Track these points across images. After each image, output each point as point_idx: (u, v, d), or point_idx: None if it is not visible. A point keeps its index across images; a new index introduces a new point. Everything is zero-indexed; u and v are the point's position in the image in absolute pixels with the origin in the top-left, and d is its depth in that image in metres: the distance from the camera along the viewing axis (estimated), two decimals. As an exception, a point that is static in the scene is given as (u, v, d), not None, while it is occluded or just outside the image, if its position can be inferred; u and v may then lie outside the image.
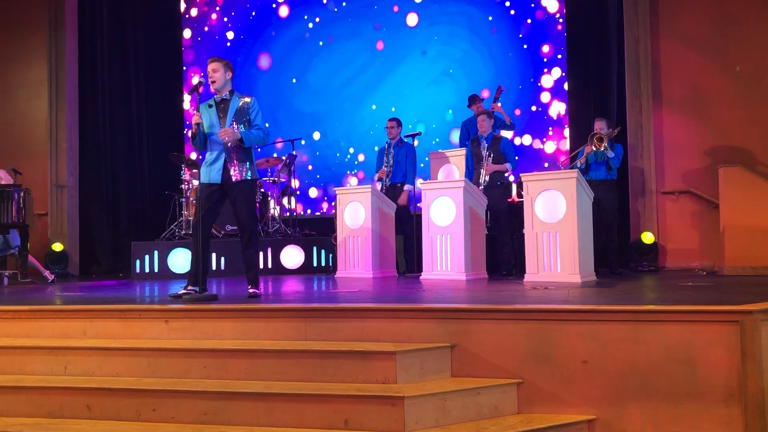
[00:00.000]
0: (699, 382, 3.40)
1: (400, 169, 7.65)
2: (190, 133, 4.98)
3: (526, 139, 9.17)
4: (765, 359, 3.33)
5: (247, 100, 5.04)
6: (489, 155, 7.02)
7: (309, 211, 10.10)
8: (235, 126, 4.93)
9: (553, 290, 4.90)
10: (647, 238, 7.75)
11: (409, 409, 3.33)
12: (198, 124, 4.87)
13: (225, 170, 4.93)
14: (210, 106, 4.98)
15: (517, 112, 9.17)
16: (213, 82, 4.95)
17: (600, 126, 7.02)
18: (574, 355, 3.59)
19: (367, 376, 3.62)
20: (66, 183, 9.10)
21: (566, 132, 9.01)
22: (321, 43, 10.11)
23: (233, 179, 4.94)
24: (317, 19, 10.15)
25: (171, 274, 7.68)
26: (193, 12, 10.59)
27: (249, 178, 4.99)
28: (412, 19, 9.76)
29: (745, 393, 3.31)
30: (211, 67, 4.97)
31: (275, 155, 9.37)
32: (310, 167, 10.10)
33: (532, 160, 9.17)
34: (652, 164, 8.05)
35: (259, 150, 9.59)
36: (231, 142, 4.89)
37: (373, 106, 9.82)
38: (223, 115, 4.96)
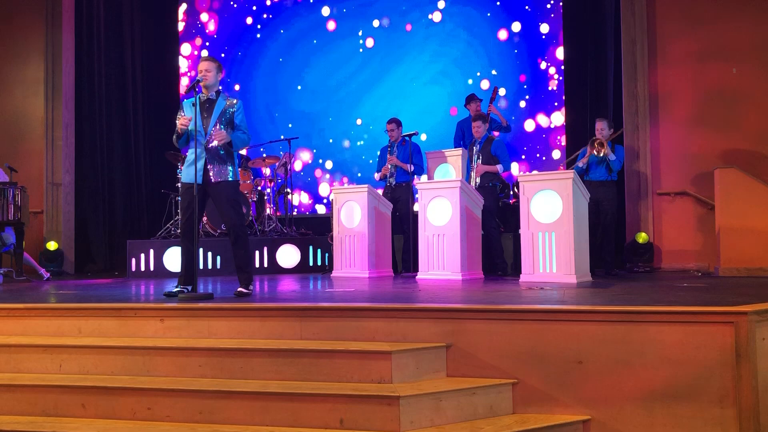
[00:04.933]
0: (694, 382, 3.41)
1: (404, 169, 7.64)
2: (178, 132, 4.94)
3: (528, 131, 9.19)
4: (759, 360, 3.35)
5: (233, 102, 5.07)
6: (478, 157, 7.07)
7: (306, 210, 10.10)
8: (218, 127, 4.95)
9: (548, 290, 4.90)
10: (641, 238, 7.77)
11: (405, 409, 3.34)
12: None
13: (206, 171, 4.95)
14: (194, 104, 4.97)
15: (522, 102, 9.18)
16: (205, 80, 4.97)
17: (601, 126, 6.92)
18: (569, 356, 3.59)
19: (363, 376, 3.62)
20: (62, 181, 9.08)
21: (563, 132, 9.04)
22: (315, 41, 10.13)
23: (212, 180, 4.96)
24: (328, 21, 10.17)
25: (166, 272, 7.67)
26: (191, 10, 10.57)
27: (230, 179, 5.01)
28: (410, 19, 9.78)
29: (739, 394, 3.32)
30: (204, 66, 4.99)
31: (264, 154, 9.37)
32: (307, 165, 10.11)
33: (529, 161, 9.20)
34: (648, 165, 8.06)
35: (262, 150, 9.59)
36: (219, 143, 4.91)
37: (361, 103, 9.84)
38: (208, 114, 4.97)
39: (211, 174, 4.95)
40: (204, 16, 10.53)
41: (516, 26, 9.34)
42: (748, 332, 3.32)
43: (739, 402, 3.32)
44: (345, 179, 9.92)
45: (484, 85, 9.35)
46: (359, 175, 9.83)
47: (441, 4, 9.63)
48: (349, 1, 10.00)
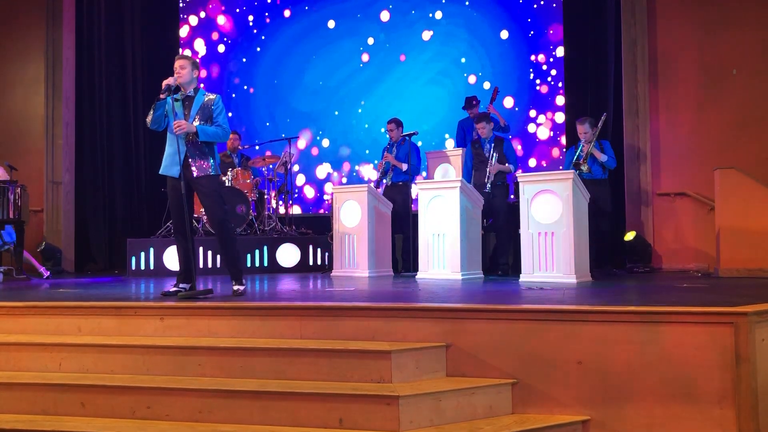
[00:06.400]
0: (693, 383, 3.41)
1: (400, 168, 7.64)
2: (158, 99, 4.88)
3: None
4: (759, 361, 3.35)
5: (212, 97, 5.08)
6: (494, 155, 7.04)
7: (307, 209, 10.11)
8: (198, 121, 4.96)
9: (548, 290, 4.90)
10: (628, 236, 7.79)
11: (404, 409, 3.34)
12: (170, 86, 4.83)
13: (186, 165, 4.94)
14: (176, 100, 5.01)
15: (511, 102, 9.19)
16: (179, 77, 4.99)
17: (584, 130, 6.80)
18: (569, 356, 3.60)
19: (362, 375, 3.62)
20: (62, 179, 9.08)
21: (563, 132, 9.04)
22: (316, 43, 10.14)
23: (194, 175, 4.95)
24: (331, 23, 10.17)
25: (166, 271, 7.66)
26: (192, 8, 10.57)
27: (212, 173, 5.00)
28: (410, 20, 9.78)
29: (738, 395, 3.32)
30: (178, 63, 5.03)
31: (264, 153, 9.37)
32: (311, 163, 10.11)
33: (528, 161, 9.20)
34: (648, 166, 8.06)
35: (257, 147, 9.60)
36: (188, 135, 4.89)
37: (361, 105, 9.83)
38: (187, 111, 5.00)
39: (193, 168, 4.95)
40: (220, 19, 10.51)
41: (516, 26, 9.34)
42: (748, 333, 3.32)
43: (738, 403, 3.32)
44: (346, 165, 9.93)
45: (485, 85, 9.35)
46: (367, 152, 9.83)
47: (441, 6, 9.63)
48: (349, 4, 10.02)
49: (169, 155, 4.95)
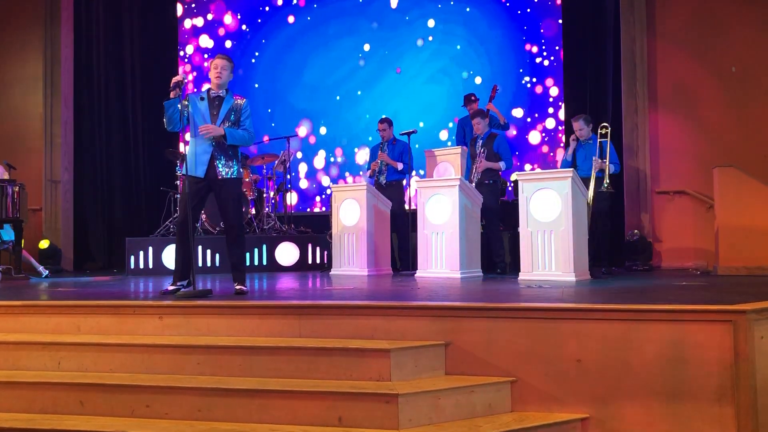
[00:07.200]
0: (692, 381, 3.41)
1: (394, 168, 7.65)
2: (171, 95, 4.85)
3: (532, 137, 9.19)
4: (758, 359, 3.35)
5: (241, 101, 5.07)
6: (483, 151, 7.04)
7: (306, 199, 10.11)
8: (226, 124, 4.95)
9: (547, 289, 4.90)
10: (630, 235, 7.80)
11: (403, 407, 3.34)
12: (178, 83, 4.80)
13: (211, 166, 4.93)
14: (202, 99, 4.98)
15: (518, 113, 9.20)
16: (218, 77, 4.97)
17: (579, 126, 6.83)
18: (568, 354, 3.60)
19: (362, 374, 3.62)
20: (60, 178, 9.08)
21: (563, 130, 9.04)
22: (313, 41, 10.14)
23: (219, 176, 4.94)
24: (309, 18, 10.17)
25: (165, 270, 7.65)
26: (191, 6, 10.56)
27: (235, 176, 5.00)
28: (409, 16, 9.77)
29: (737, 392, 3.32)
30: (221, 63, 4.99)
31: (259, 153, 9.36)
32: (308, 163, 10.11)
33: (528, 160, 9.20)
34: (647, 164, 8.07)
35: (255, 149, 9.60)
36: (206, 137, 4.88)
37: (360, 95, 9.83)
38: (216, 112, 4.98)
39: (218, 169, 4.94)
40: (227, 18, 10.51)
41: (516, 25, 9.33)
42: (747, 331, 3.32)
43: (737, 400, 3.32)
44: (344, 155, 9.92)
45: (483, 83, 9.34)
46: (370, 138, 9.81)
47: (440, 7, 9.63)
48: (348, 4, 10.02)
49: (196, 155, 4.92)
